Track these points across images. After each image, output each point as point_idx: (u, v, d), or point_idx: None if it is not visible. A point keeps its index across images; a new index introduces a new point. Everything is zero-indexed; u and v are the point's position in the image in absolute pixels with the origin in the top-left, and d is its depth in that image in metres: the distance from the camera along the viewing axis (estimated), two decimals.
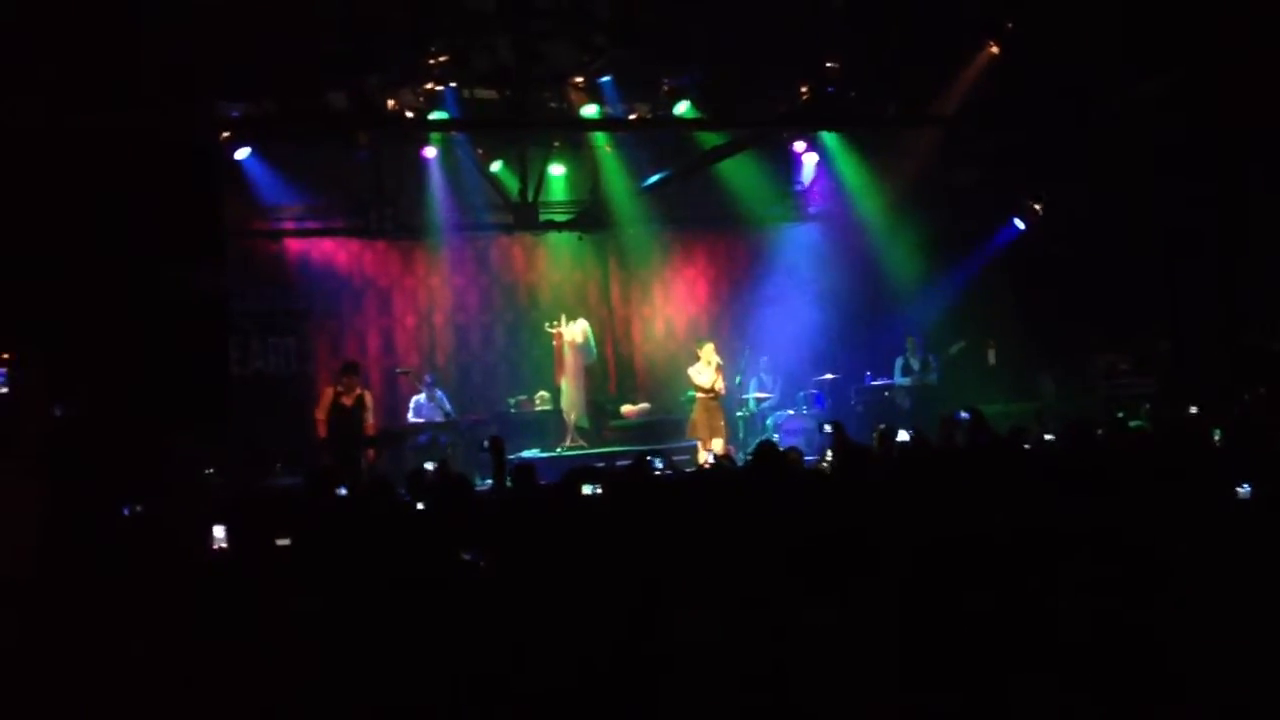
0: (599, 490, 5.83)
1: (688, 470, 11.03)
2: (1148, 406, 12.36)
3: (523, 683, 3.38)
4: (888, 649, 3.49)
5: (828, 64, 13.60)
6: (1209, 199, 13.36)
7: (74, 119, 10.39)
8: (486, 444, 9.60)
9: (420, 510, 6.78)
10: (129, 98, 10.69)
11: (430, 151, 14.80)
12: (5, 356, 9.97)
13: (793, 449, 9.22)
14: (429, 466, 9.92)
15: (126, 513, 7.38)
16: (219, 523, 6.29)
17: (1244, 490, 4.63)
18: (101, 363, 10.43)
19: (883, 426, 9.87)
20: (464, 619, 3.69)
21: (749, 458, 9.43)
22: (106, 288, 10.59)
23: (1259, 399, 10.91)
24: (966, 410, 8.98)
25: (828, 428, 10.82)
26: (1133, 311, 14.37)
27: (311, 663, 3.65)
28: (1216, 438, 7.57)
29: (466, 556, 4.32)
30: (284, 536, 6.08)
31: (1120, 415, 11.45)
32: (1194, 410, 11.15)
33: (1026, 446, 7.72)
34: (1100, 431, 7.71)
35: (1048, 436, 7.99)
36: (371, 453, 12.98)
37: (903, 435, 8.40)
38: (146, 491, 8.32)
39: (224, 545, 6.29)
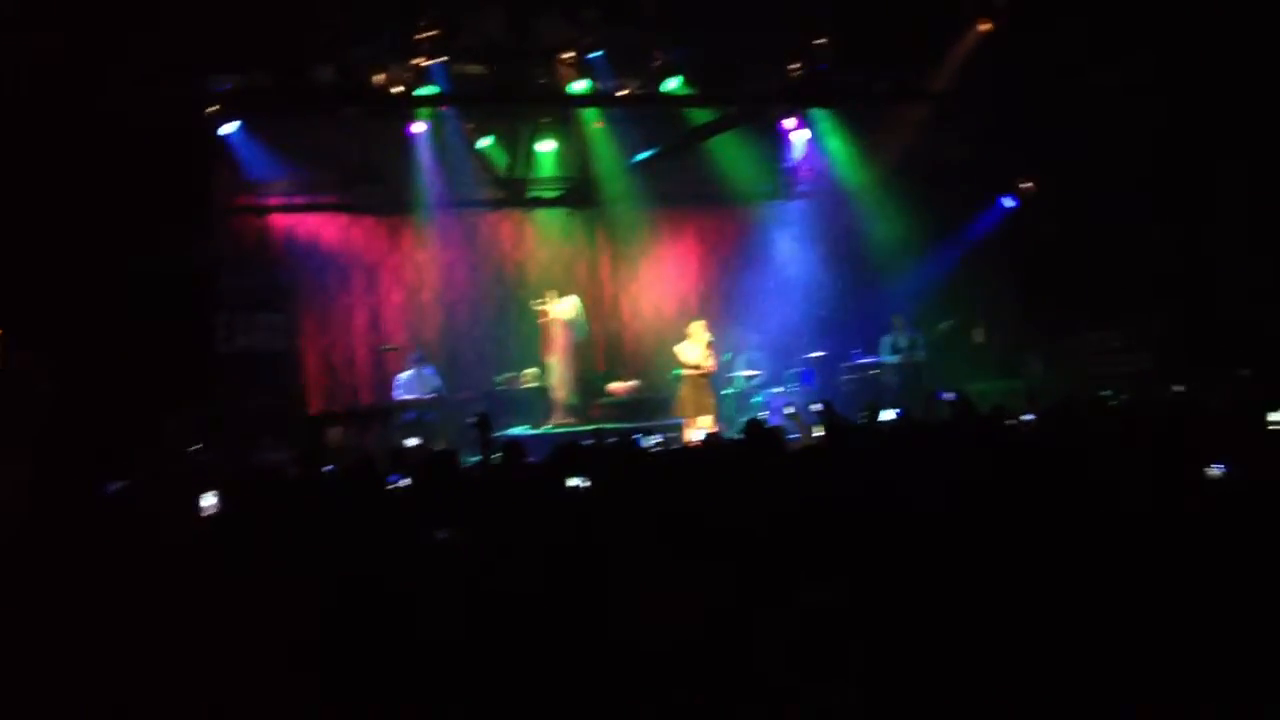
0: (586, 483, 5.82)
1: (674, 448, 11.04)
2: (1119, 392, 12.36)
3: (498, 661, 3.39)
4: (876, 628, 3.50)
5: (818, 40, 13.57)
6: (1202, 177, 13.37)
7: (61, 95, 10.34)
8: (473, 420, 9.60)
9: (402, 487, 6.79)
10: (116, 73, 10.64)
11: (418, 127, 14.72)
12: None
13: (779, 427, 9.26)
14: (411, 443, 9.95)
15: (112, 488, 7.36)
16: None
17: (1217, 469, 4.64)
18: (89, 339, 10.42)
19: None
20: (435, 594, 3.71)
21: (738, 435, 9.46)
22: (94, 264, 10.57)
23: (1243, 379, 10.95)
24: (952, 392, 9.01)
25: (816, 406, 10.85)
26: (1122, 290, 14.39)
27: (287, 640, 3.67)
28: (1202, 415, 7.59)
29: (441, 535, 4.32)
30: (271, 511, 6.10)
31: (1105, 394, 11.48)
32: (1178, 389, 11.19)
33: (1010, 422, 7.75)
34: (1083, 410, 7.74)
35: (1026, 416, 8.01)
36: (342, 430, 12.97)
37: (888, 414, 8.42)
38: (133, 467, 8.31)
39: (213, 512, 6.31)
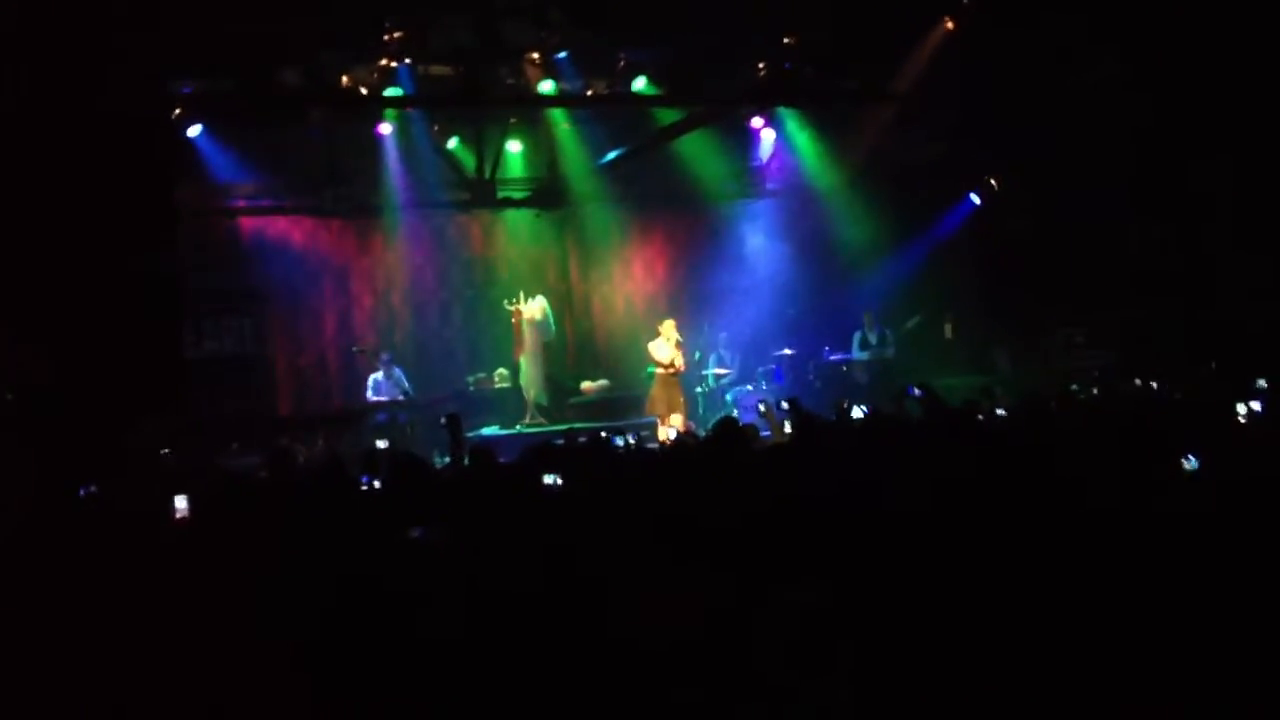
0: (559, 481, 5.81)
1: (648, 446, 11.05)
2: (1086, 387, 12.47)
3: (479, 662, 3.39)
4: (854, 625, 3.52)
5: (785, 40, 13.62)
6: (1171, 175, 13.49)
7: (22, 97, 10.24)
8: (444, 421, 9.57)
9: (373, 490, 6.76)
10: (79, 75, 10.55)
11: (385, 128, 14.67)
12: None
13: (751, 425, 9.28)
14: (381, 445, 9.90)
15: (82, 493, 7.30)
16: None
17: (1190, 463, 4.67)
18: (54, 343, 10.33)
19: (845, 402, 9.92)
20: (410, 592, 3.70)
21: (709, 433, 9.45)
22: (58, 268, 10.47)
23: (1210, 373, 11.05)
24: (919, 386, 9.05)
25: (785, 404, 10.88)
26: (1090, 286, 14.50)
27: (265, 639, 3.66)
28: (1164, 410, 7.67)
29: (415, 534, 4.31)
30: (241, 514, 6.06)
31: (1073, 389, 11.56)
32: (1145, 383, 11.29)
33: (980, 417, 7.80)
34: (1051, 404, 7.80)
35: (1000, 411, 8.06)
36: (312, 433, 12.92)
37: (857, 411, 8.45)
38: (102, 472, 8.24)
39: (185, 515, 6.27)
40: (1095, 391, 10.57)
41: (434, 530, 4.34)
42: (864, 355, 15.29)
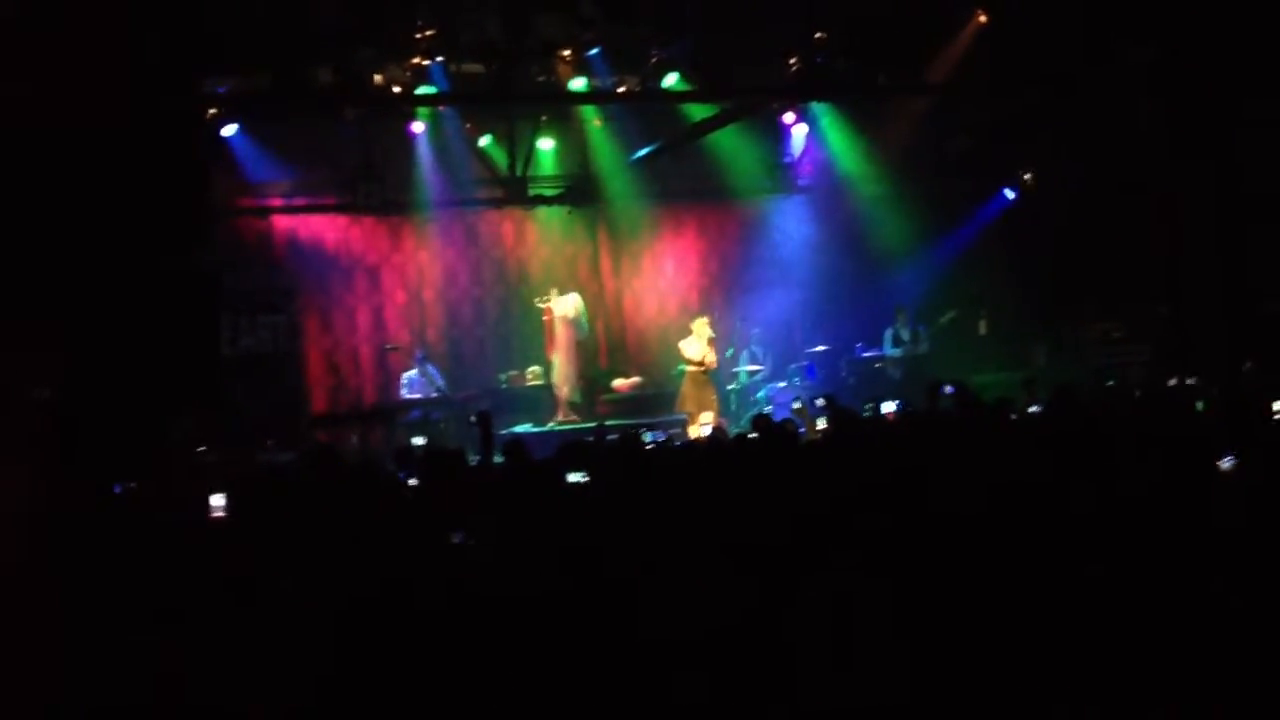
0: (586, 478, 5.81)
1: (677, 444, 11.05)
2: (1123, 383, 12.33)
3: (516, 662, 3.40)
4: (888, 619, 3.50)
5: (817, 34, 13.56)
6: (1205, 165, 13.34)
7: (61, 97, 10.34)
8: (474, 419, 9.59)
9: (410, 487, 6.79)
10: (116, 74, 10.63)
11: (418, 126, 14.73)
12: None
13: (788, 421, 9.26)
14: (418, 442, 9.94)
15: (119, 490, 7.37)
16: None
17: (1227, 462, 4.61)
18: (93, 342, 10.42)
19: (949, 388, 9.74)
20: (454, 596, 3.70)
21: (744, 431, 9.43)
22: (96, 266, 10.56)
23: (1248, 370, 10.91)
24: (951, 384, 8.98)
25: (820, 401, 10.84)
26: (1126, 280, 14.37)
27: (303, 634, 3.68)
28: (1200, 407, 7.59)
29: (456, 539, 4.31)
30: (278, 512, 6.11)
31: (1110, 384, 11.47)
32: (1184, 380, 11.17)
33: (1014, 416, 7.73)
34: (1086, 400, 7.73)
35: (1033, 408, 7.99)
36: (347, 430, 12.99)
37: (888, 406, 8.41)
38: (139, 469, 8.32)
39: (222, 514, 6.32)
40: (1131, 388, 10.48)
41: (473, 534, 4.35)
42: (897, 352, 15.20)
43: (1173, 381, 10.17)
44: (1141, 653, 3.35)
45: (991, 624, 3.44)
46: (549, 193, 16.26)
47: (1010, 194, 15.81)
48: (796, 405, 10.61)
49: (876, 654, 3.28)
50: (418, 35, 12.81)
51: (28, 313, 10.12)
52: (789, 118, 16.03)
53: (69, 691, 3.70)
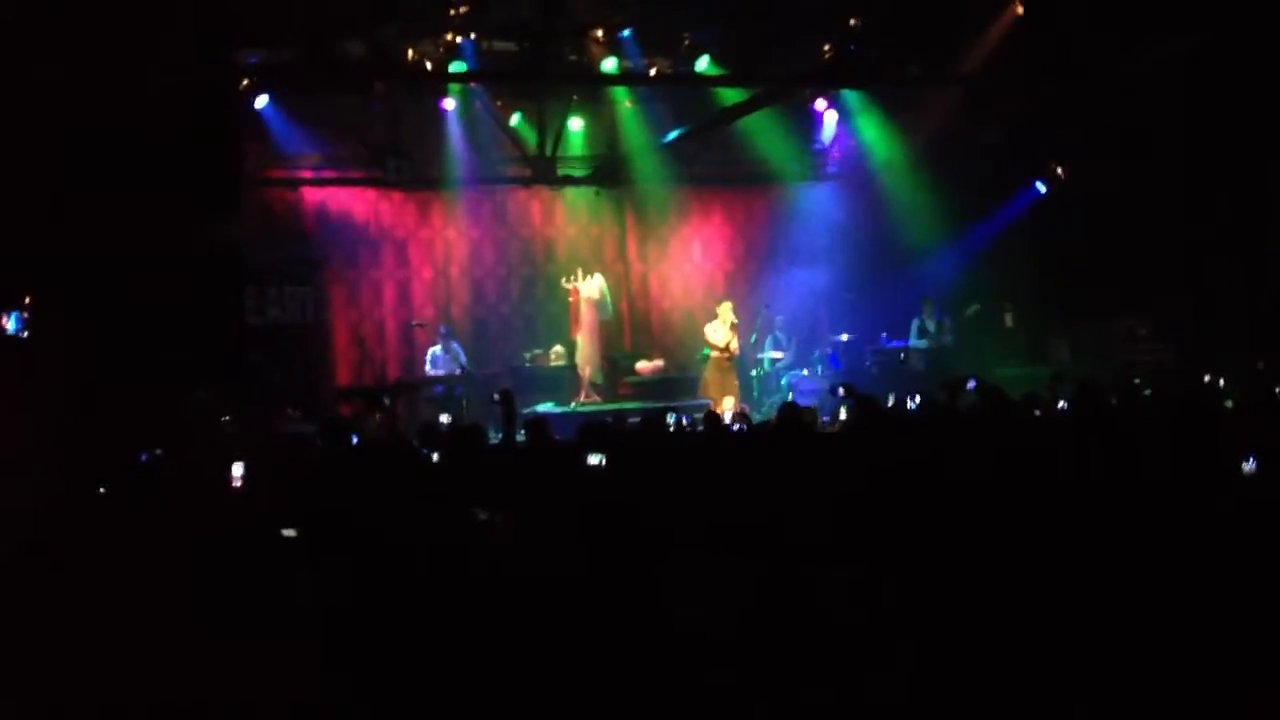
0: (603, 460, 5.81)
1: (699, 429, 11.06)
2: (1148, 380, 12.25)
3: (533, 642, 3.41)
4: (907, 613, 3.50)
5: (850, 21, 13.47)
6: (1235, 162, 13.23)
7: (95, 67, 10.38)
8: (497, 397, 9.61)
9: (433, 461, 6.82)
10: (150, 45, 10.67)
11: (448, 103, 14.73)
12: (26, 301, 10.04)
13: (809, 409, 9.24)
14: (444, 419, 9.96)
15: (145, 458, 7.44)
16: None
17: (1250, 466, 4.54)
18: (120, 310, 10.49)
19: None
20: (479, 575, 3.72)
21: (768, 418, 9.41)
22: (126, 236, 10.62)
23: (1260, 372, 10.82)
24: (973, 379, 8.94)
25: (840, 391, 10.83)
26: (1153, 277, 14.27)
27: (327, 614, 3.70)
28: (1229, 406, 7.53)
29: (483, 516, 4.33)
30: (298, 481, 6.15)
31: (1136, 382, 11.40)
32: (1208, 379, 11.10)
33: (1037, 413, 7.70)
34: (1113, 400, 7.69)
35: (1061, 404, 7.95)
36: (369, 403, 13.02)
37: (910, 401, 8.38)
38: (164, 437, 8.38)
39: (241, 482, 6.38)
40: (1152, 388, 10.42)
41: (499, 513, 4.36)
42: (922, 343, 15.13)
43: (1203, 379, 10.10)
44: (1159, 655, 3.34)
45: (1007, 623, 3.43)
46: (578, 173, 16.25)
47: (1041, 187, 15.70)
48: (826, 390, 10.56)
49: (883, 650, 3.28)
50: (450, 12, 12.82)
51: (58, 279, 10.19)
52: (821, 104, 15.98)
53: (98, 666, 3.72)
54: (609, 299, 15.19)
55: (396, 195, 15.48)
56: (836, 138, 16.64)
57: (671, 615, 3.44)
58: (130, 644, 3.66)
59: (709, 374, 13.94)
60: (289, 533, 4.73)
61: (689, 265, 16.99)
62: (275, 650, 3.56)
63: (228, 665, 3.53)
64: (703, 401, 13.83)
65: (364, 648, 3.52)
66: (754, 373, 15.15)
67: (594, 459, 5.95)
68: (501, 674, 3.37)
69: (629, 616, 3.47)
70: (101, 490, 6.31)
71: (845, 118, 16.15)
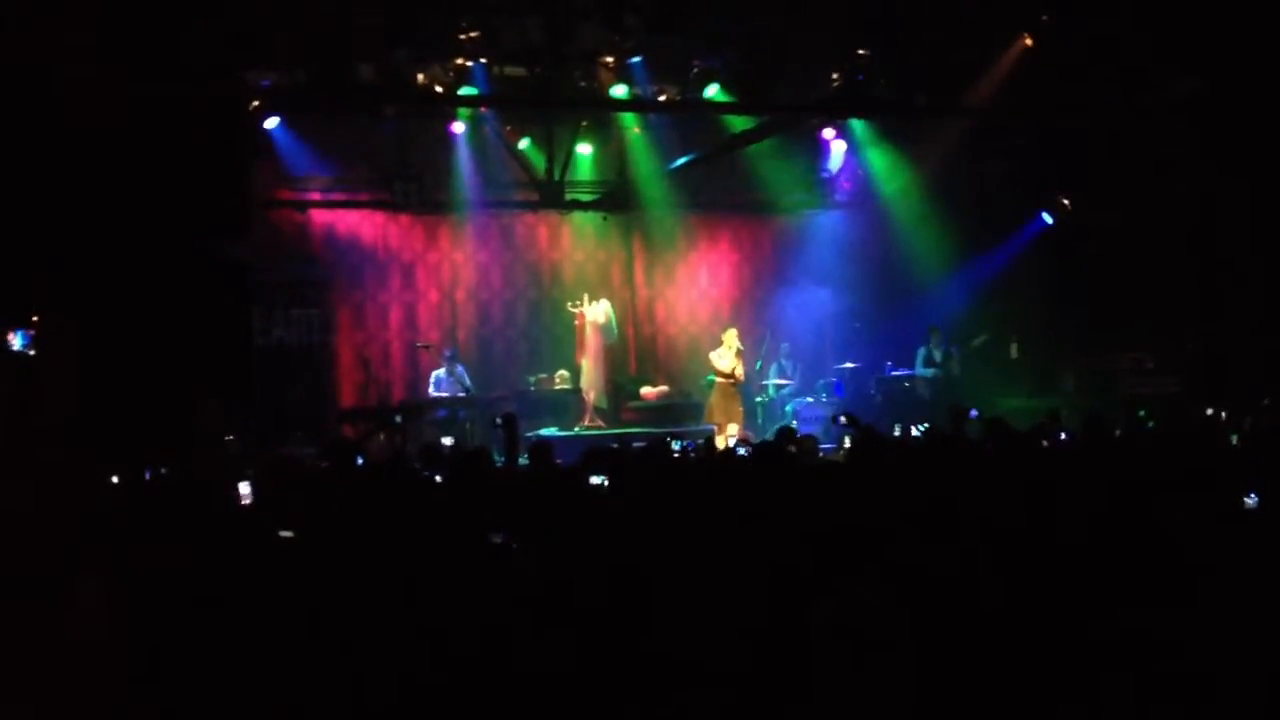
0: (606, 482, 5.82)
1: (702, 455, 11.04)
2: (1152, 414, 12.20)
3: (524, 665, 3.40)
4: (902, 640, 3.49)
5: (859, 51, 13.53)
6: (1242, 198, 13.24)
7: (103, 85, 10.42)
8: (499, 421, 9.61)
9: (436, 483, 6.82)
10: (160, 65, 10.72)
11: (458, 127, 14.81)
12: (33, 319, 10.05)
13: (809, 436, 9.23)
14: (446, 441, 9.96)
15: (149, 476, 7.44)
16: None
17: (1251, 500, 4.53)
18: (125, 328, 10.49)
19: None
20: (485, 600, 3.72)
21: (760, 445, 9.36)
22: (133, 254, 10.62)
23: (1265, 408, 10.78)
24: (977, 409, 8.94)
25: (842, 419, 10.83)
26: (1159, 310, 14.28)
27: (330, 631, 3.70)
28: (1234, 441, 7.52)
29: (497, 539, 4.32)
30: (301, 502, 6.15)
31: (1141, 414, 11.38)
32: (1219, 413, 11.06)
33: (1045, 443, 7.69)
34: (1118, 432, 7.67)
35: (1062, 436, 7.94)
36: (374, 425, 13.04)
37: (915, 430, 8.37)
38: (169, 456, 8.38)
39: (249, 501, 6.38)
40: (1156, 421, 10.39)
41: (513, 537, 4.35)
42: (928, 372, 15.12)
43: (1209, 412, 10.08)
44: (1164, 684, 3.33)
45: (1009, 653, 3.42)
46: (585, 198, 16.30)
47: (1048, 219, 15.72)
48: (829, 419, 10.56)
49: (888, 679, 3.27)
50: (461, 36, 12.87)
51: (66, 297, 10.20)
52: (828, 133, 16.03)
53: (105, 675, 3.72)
54: (614, 324, 15.22)
55: (404, 218, 15.54)
56: (844, 166, 16.69)
57: (667, 643, 3.43)
58: (129, 653, 3.67)
59: (714, 400, 13.94)
60: (286, 534, 4.73)
61: (695, 291, 17.03)
62: (277, 658, 3.56)
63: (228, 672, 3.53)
64: (707, 427, 13.83)
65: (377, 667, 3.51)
66: (759, 399, 15.16)
67: (596, 479, 5.96)
68: (518, 696, 3.37)
69: (628, 644, 3.47)
70: (108, 507, 6.31)
71: (853, 147, 16.20)
